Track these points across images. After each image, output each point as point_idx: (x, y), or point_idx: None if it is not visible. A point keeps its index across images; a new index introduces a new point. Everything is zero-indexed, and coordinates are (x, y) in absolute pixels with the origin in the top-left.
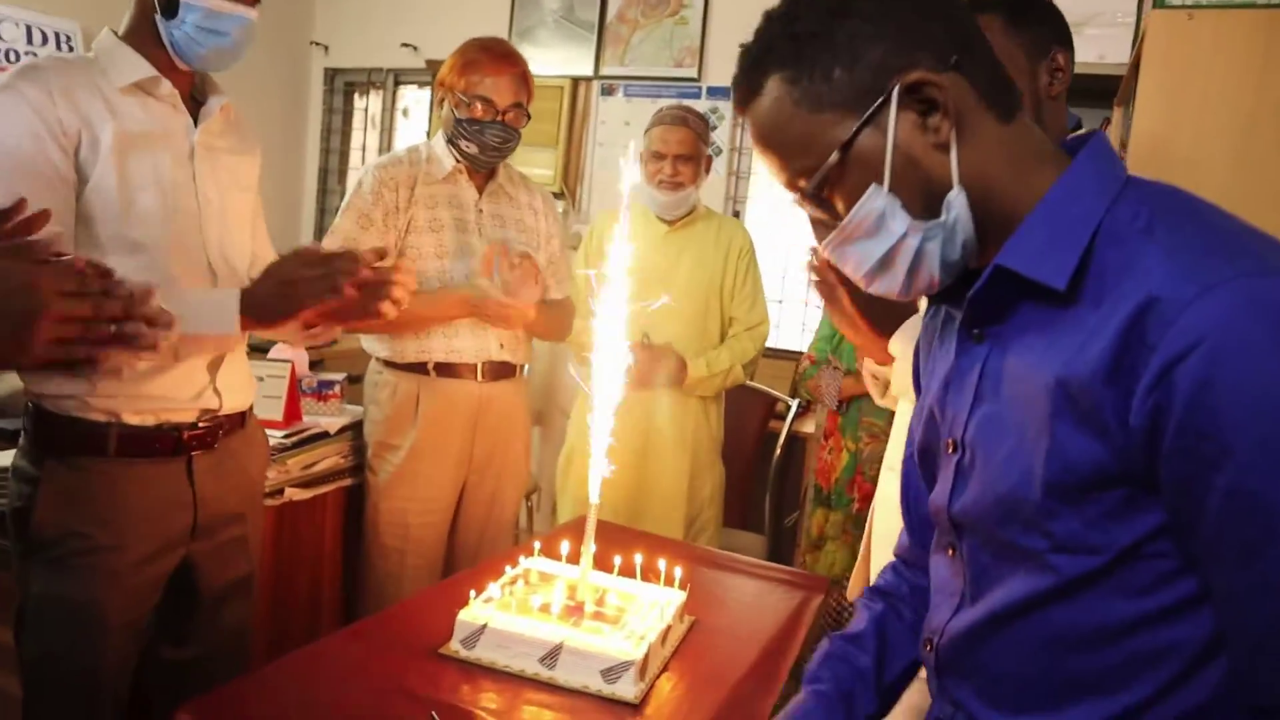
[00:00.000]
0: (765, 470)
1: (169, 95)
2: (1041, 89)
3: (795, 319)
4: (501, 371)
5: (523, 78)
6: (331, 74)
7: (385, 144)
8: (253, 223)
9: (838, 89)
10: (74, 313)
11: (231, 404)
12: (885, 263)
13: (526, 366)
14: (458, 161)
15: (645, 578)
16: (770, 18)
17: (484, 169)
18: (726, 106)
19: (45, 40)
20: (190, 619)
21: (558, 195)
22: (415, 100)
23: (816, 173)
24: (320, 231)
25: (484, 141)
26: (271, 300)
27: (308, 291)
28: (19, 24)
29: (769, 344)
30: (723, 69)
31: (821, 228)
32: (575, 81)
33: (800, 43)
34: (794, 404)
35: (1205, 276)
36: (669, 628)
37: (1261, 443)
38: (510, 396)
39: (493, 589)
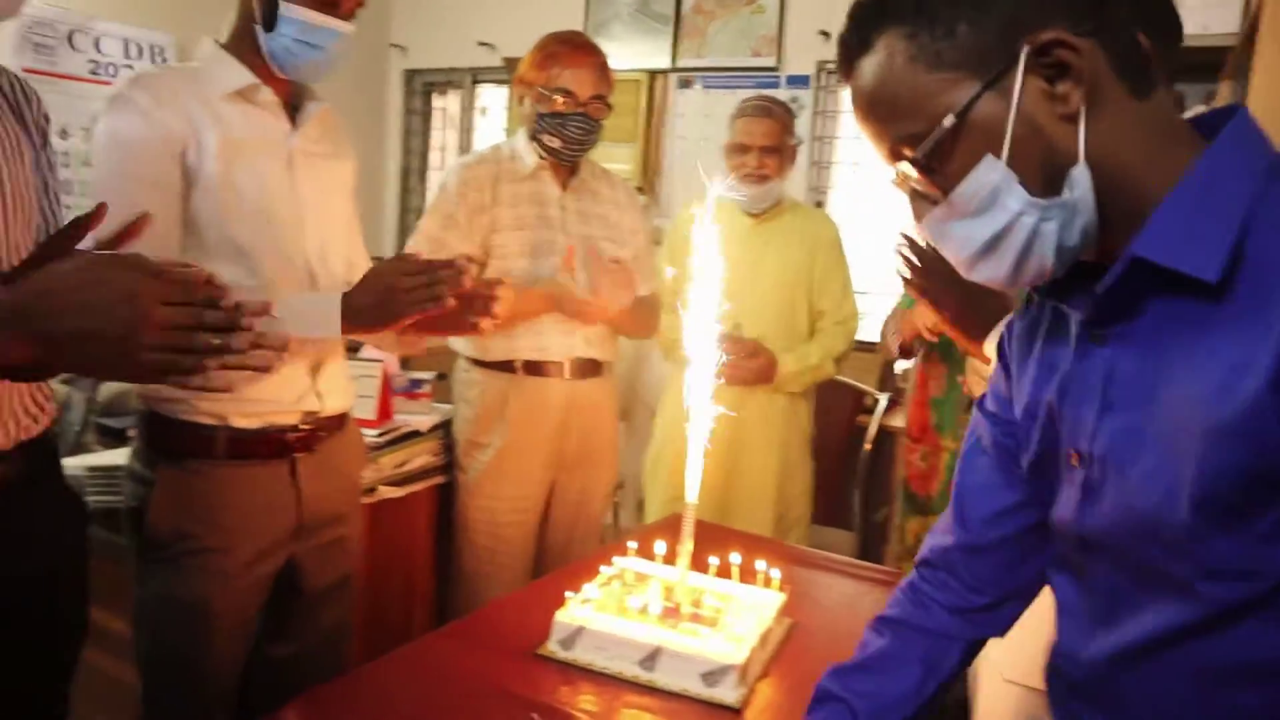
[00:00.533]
0: (854, 466)
1: (269, 102)
2: None
3: (882, 310)
4: (589, 369)
5: (602, 69)
6: (410, 75)
7: (464, 143)
8: (349, 227)
9: (959, 46)
10: (176, 320)
11: (332, 406)
12: (993, 245)
13: (613, 362)
14: (541, 158)
15: (742, 579)
16: None
17: (568, 163)
18: (807, 95)
19: (141, 53)
20: (292, 617)
21: (638, 190)
22: (493, 98)
23: (927, 139)
24: (403, 231)
25: (566, 134)
26: (373, 307)
27: (409, 300)
28: (117, 39)
29: (856, 336)
30: (802, 58)
31: (922, 203)
32: (652, 75)
33: None
34: (883, 398)
35: None
36: (769, 630)
37: None
38: (598, 394)
39: (589, 589)
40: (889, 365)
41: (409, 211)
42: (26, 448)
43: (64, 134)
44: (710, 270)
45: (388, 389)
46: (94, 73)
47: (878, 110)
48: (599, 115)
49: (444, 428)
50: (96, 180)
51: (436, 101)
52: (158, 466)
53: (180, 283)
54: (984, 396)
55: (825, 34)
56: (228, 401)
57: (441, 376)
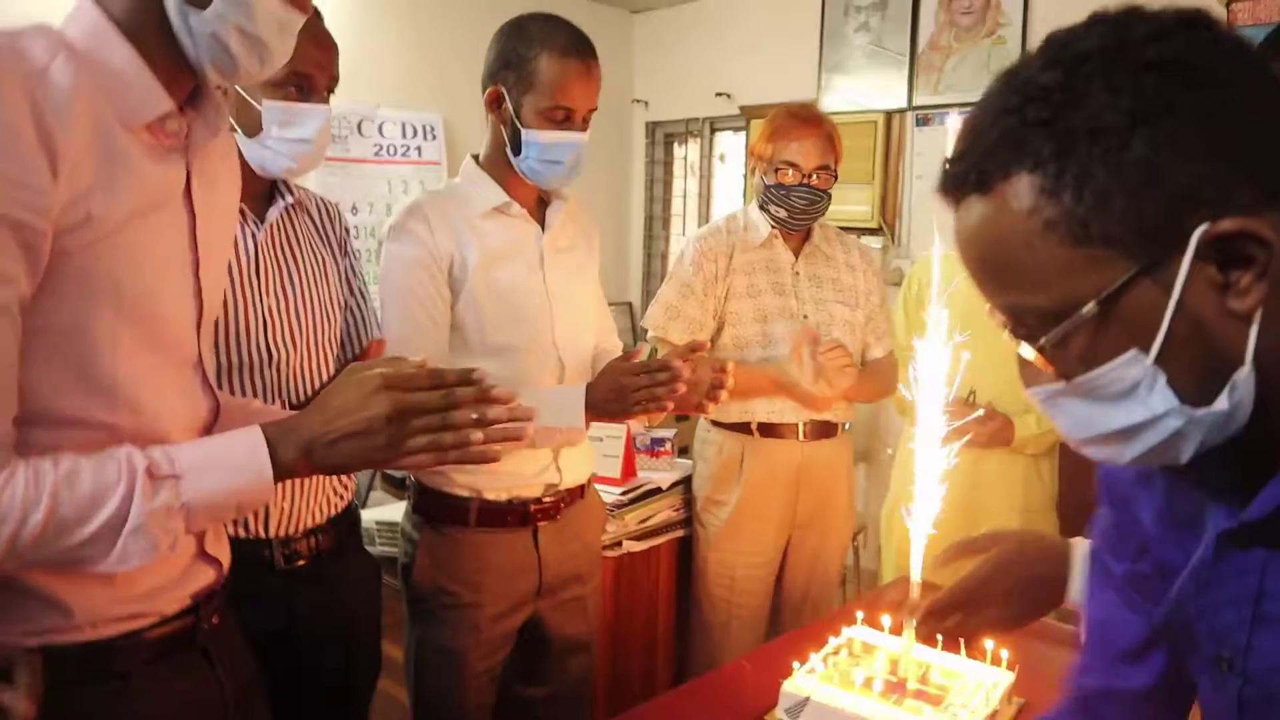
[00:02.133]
0: None
1: (520, 214)
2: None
3: None
4: (824, 431)
5: (827, 139)
6: (652, 127)
7: (704, 189)
8: (597, 313)
9: (1112, 219)
10: (430, 404)
11: (572, 479)
12: (1121, 435)
13: (848, 424)
14: (772, 227)
15: (971, 654)
16: (1022, 88)
17: (797, 231)
18: None
19: (415, 133)
20: (540, 663)
21: (875, 231)
22: (731, 145)
23: (1056, 327)
24: (649, 275)
25: (791, 205)
26: (607, 403)
27: (635, 400)
28: (395, 123)
29: None
30: None
31: (1032, 369)
32: (889, 115)
33: (1073, 143)
34: None
35: None
36: (995, 713)
37: None
38: (832, 454)
39: (815, 660)
40: None
41: (654, 256)
42: (336, 521)
43: (354, 210)
44: (941, 329)
45: (631, 448)
46: (378, 154)
47: (993, 270)
48: (825, 185)
49: (685, 483)
50: (383, 297)
51: (677, 151)
52: (422, 529)
53: (431, 372)
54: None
55: None
56: (480, 475)
57: (683, 450)
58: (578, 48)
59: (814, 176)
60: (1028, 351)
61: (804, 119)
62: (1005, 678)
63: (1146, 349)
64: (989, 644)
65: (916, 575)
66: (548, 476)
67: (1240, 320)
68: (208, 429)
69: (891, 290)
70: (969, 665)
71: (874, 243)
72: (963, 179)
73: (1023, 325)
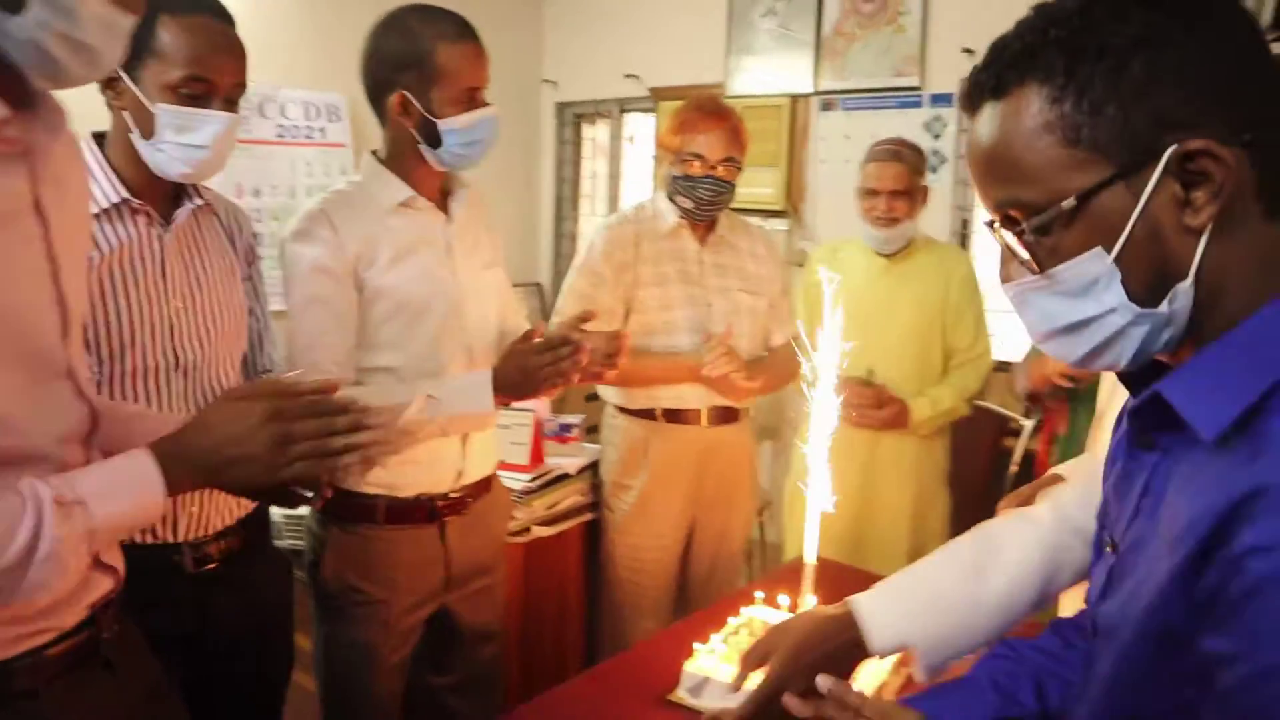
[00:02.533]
0: (998, 492)
1: (426, 207)
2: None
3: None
4: (726, 416)
5: (734, 131)
6: (561, 108)
7: (614, 170)
8: (501, 295)
9: (1102, 127)
10: (310, 432)
11: (478, 472)
12: (1074, 329)
13: (750, 408)
14: (680, 216)
15: None
16: (1048, 13)
17: (702, 221)
18: (950, 114)
19: (319, 114)
20: (449, 654)
21: (781, 213)
22: (640, 127)
23: (1040, 214)
24: (558, 256)
25: (698, 196)
26: (514, 384)
27: (542, 378)
28: (298, 103)
29: (1000, 357)
30: (945, 76)
31: (1012, 264)
32: (794, 99)
33: (1086, 57)
34: (1029, 423)
35: None
36: (884, 683)
37: None
38: (735, 439)
39: (715, 641)
40: None
41: (563, 237)
42: (245, 522)
43: (257, 193)
44: (837, 315)
45: (539, 435)
46: (281, 135)
47: (996, 164)
48: (730, 177)
49: (592, 468)
50: (289, 302)
51: (586, 131)
52: (328, 527)
53: (310, 400)
54: None
55: (969, 51)
56: (389, 472)
57: (591, 430)
58: (465, 28)
59: (720, 168)
60: (1012, 240)
61: (711, 112)
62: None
63: (1109, 248)
64: None
65: (811, 556)
66: (454, 469)
67: (1192, 235)
68: (85, 439)
69: (797, 272)
70: None
71: (779, 225)
72: (984, 86)
73: (1010, 220)
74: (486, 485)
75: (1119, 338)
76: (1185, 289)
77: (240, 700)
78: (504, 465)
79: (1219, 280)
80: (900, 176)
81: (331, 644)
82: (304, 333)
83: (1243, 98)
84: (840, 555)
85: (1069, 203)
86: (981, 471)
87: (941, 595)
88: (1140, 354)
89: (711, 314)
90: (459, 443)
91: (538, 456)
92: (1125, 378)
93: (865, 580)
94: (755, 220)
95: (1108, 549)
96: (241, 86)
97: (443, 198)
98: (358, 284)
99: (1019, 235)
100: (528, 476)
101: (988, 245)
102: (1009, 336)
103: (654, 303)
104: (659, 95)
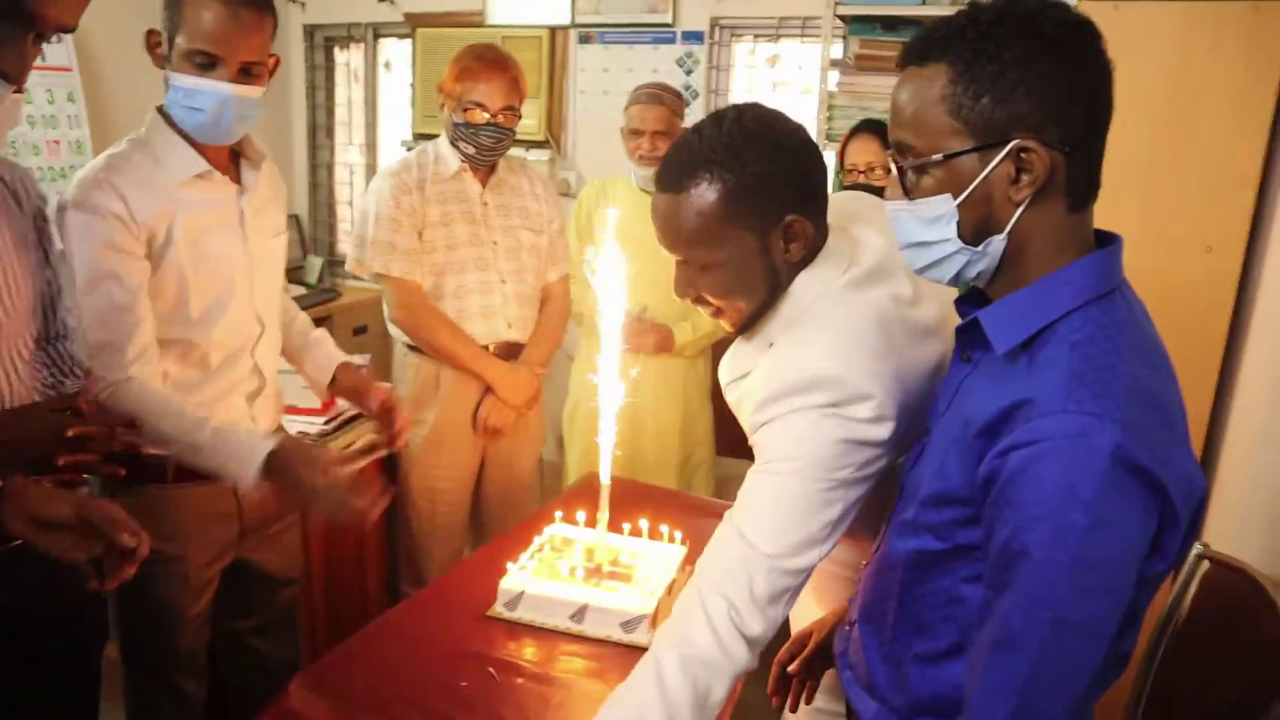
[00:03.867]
0: None
1: (221, 179)
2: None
3: None
4: (512, 350)
5: (513, 81)
6: (310, 30)
7: (369, 97)
8: (281, 264)
9: (977, 112)
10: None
11: (265, 425)
12: (918, 246)
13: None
14: (462, 161)
15: (652, 536)
16: (974, 15)
17: (484, 166)
18: (701, 51)
19: None
20: (248, 599)
21: (543, 144)
22: (396, 53)
23: (918, 159)
24: (314, 187)
25: (479, 143)
26: (288, 486)
27: (318, 506)
28: None
29: None
30: (696, 14)
31: (897, 188)
32: (553, 31)
33: (982, 59)
34: None
35: (1069, 402)
36: (674, 580)
37: (1030, 525)
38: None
39: (524, 558)
40: None
41: (319, 167)
42: None
43: None
44: (612, 251)
45: None
46: None
47: (902, 114)
48: (510, 124)
49: None
50: (79, 279)
51: (339, 57)
52: (118, 493)
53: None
54: None
55: None
56: None
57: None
58: None
59: (500, 116)
60: (895, 172)
61: (491, 61)
62: (679, 551)
63: (956, 196)
64: (663, 527)
65: (606, 478)
66: (243, 427)
67: (1012, 205)
68: None
69: (561, 201)
70: (650, 545)
71: (541, 155)
72: (913, 52)
73: (902, 156)
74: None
75: (946, 261)
76: (999, 240)
77: (58, 677)
78: (297, 410)
79: (1024, 241)
80: (662, 118)
81: (129, 606)
82: (96, 310)
83: (1074, 119)
84: (617, 471)
85: (938, 158)
86: None
87: None
88: (958, 277)
89: (498, 252)
90: (245, 403)
91: (330, 399)
92: (960, 310)
93: (645, 493)
94: (517, 151)
95: (925, 434)
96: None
97: (234, 164)
98: (152, 260)
99: (901, 170)
100: (322, 420)
101: None
102: None
103: (441, 242)
104: (415, 21)
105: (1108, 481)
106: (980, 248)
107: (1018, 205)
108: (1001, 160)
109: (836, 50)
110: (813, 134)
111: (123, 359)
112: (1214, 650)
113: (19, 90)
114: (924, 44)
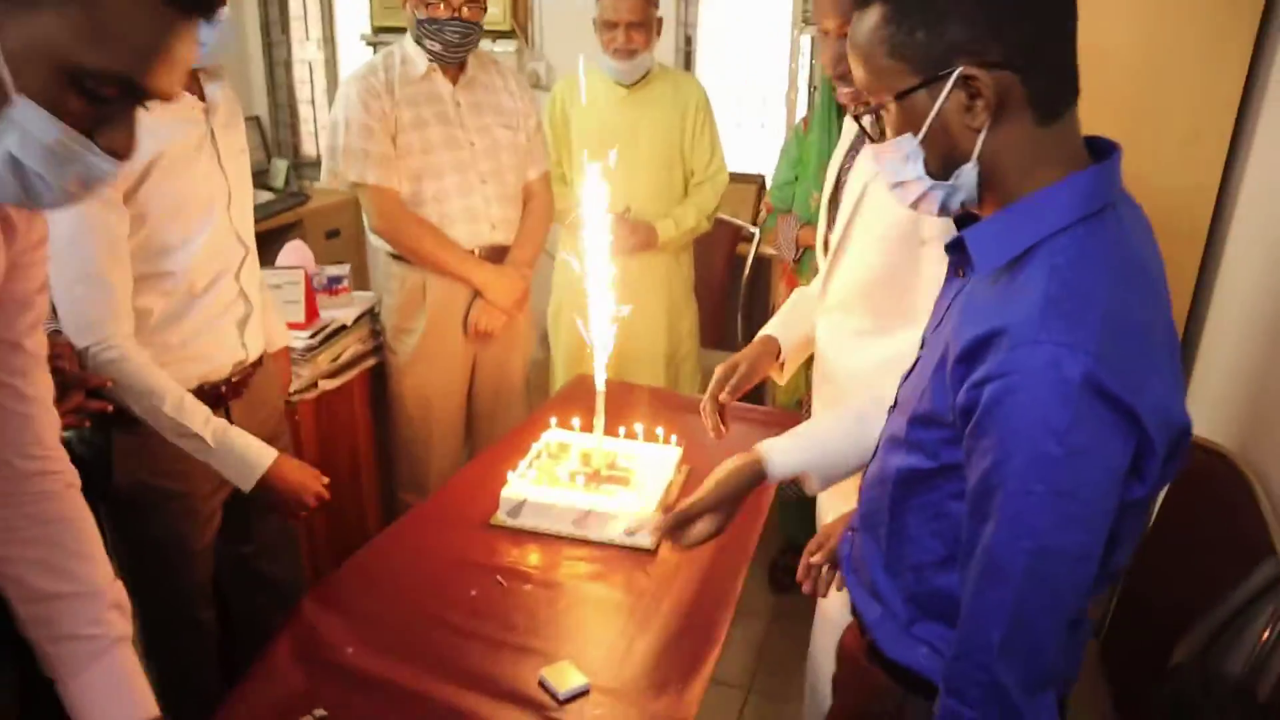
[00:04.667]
0: (736, 292)
1: (189, 99)
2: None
3: (752, 142)
4: (497, 254)
5: None
6: None
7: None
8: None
9: (914, 47)
10: None
11: (255, 351)
12: (898, 186)
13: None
14: (430, 60)
15: (647, 438)
16: None
17: (453, 64)
18: None
19: None
20: (248, 523)
21: (509, 34)
22: None
23: (873, 104)
24: (273, 87)
25: (445, 39)
26: (281, 492)
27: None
28: None
29: (731, 169)
30: None
31: (868, 127)
32: None
33: None
34: (757, 231)
35: (1042, 332)
36: (671, 482)
37: (1006, 457)
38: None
39: (523, 466)
40: (761, 221)
41: (275, 65)
42: None
43: None
44: (591, 145)
45: (311, 290)
46: None
47: (858, 59)
48: (475, 17)
49: (369, 315)
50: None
51: None
52: (110, 433)
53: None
54: None
55: None
56: (170, 366)
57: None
58: None
59: (464, 9)
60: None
61: None
62: (675, 452)
63: (916, 134)
64: (659, 429)
65: (601, 385)
66: (235, 355)
67: (973, 132)
68: None
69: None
70: (645, 448)
71: (508, 46)
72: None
73: (865, 101)
74: (260, 361)
75: (924, 198)
76: (969, 169)
77: None
78: None
79: (997, 164)
80: (636, 8)
81: (135, 546)
82: (82, 260)
83: (1017, 33)
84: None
85: (889, 99)
86: (720, 277)
87: (830, 435)
88: (943, 209)
89: (475, 153)
90: (236, 330)
91: (313, 311)
92: (955, 223)
93: (635, 393)
94: (484, 44)
95: (922, 346)
96: None
97: (195, 81)
98: (131, 197)
99: (867, 112)
100: (307, 334)
101: (711, 63)
102: (738, 153)
103: (417, 146)
104: None
105: (1079, 411)
106: (952, 180)
107: (978, 131)
108: (950, 91)
109: None
110: (788, 20)
111: (113, 327)
112: (1192, 527)
113: None
114: None
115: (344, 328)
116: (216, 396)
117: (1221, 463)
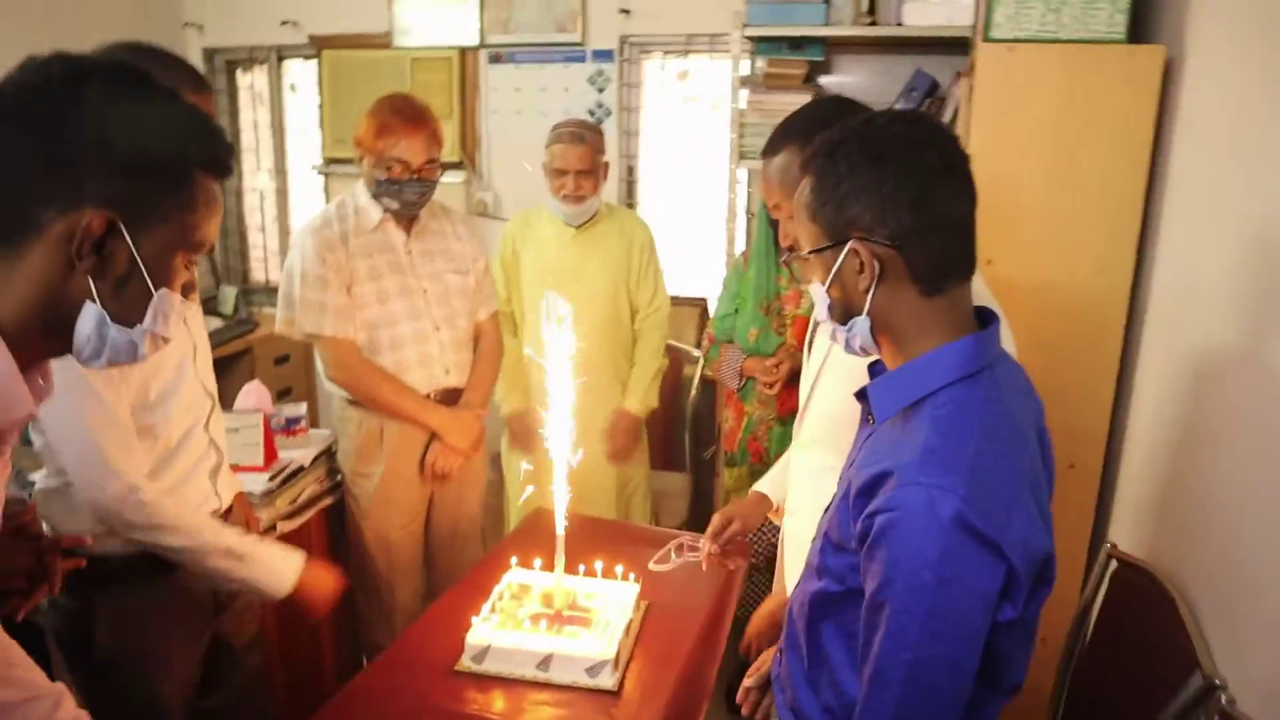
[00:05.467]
0: (683, 414)
1: None
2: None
3: (694, 267)
4: (451, 396)
5: (433, 135)
6: (210, 54)
7: (276, 120)
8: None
9: (825, 217)
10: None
11: (228, 499)
12: (824, 322)
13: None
14: (385, 212)
15: (605, 575)
16: (824, 131)
17: (407, 217)
18: (611, 69)
19: None
20: (218, 673)
21: (457, 165)
22: (302, 74)
23: (795, 251)
24: (224, 215)
25: (404, 198)
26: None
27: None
28: None
29: (674, 293)
30: (605, 33)
31: (805, 270)
32: (463, 52)
33: (827, 172)
34: (699, 352)
35: (921, 475)
36: (631, 620)
37: (890, 580)
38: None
39: (485, 610)
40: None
41: (227, 193)
42: None
43: None
44: (543, 283)
45: (269, 432)
46: None
47: (794, 207)
48: (432, 176)
49: (326, 455)
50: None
51: (242, 80)
52: (90, 596)
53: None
54: None
55: (626, 12)
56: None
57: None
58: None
59: (422, 170)
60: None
61: (409, 118)
62: (633, 590)
63: (823, 283)
64: (618, 567)
65: (560, 529)
66: (209, 506)
67: (862, 293)
68: None
69: (478, 222)
70: (603, 585)
71: (456, 177)
72: (771, 154)
73: (792, 247)
74: (230, 508)
75: (834, 335)
76: (862, 321)
77: None
78: (239, 468)
79: (887, 320)
80: (584, 157)
81: (114, 714)
82: (96, 405)
83: (900, 219)
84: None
85: (807, 253)
86: (667, 400)
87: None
88: (848, 348)
89: (428, 299)
90: (209, 480)
91: (271, 453)
92: (870, 377)
93: (591, 527)
94: None
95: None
96: None
97: None
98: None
99: (793, 260)
100: (266, 476)
101: (653, 192)
102: (681, 277)
103: (372, 297)
104: (321, 44)
105: (949, 545)
106: (850, 325)
107: (866, 292)
108: (845, 256)
109: (745, 68)
110: (726, 153)
111: (135, 467)
112: (1124, 644)
113: None
114: (778, 145)
115: (302, 469)
116: None
117: (1144, 578)
